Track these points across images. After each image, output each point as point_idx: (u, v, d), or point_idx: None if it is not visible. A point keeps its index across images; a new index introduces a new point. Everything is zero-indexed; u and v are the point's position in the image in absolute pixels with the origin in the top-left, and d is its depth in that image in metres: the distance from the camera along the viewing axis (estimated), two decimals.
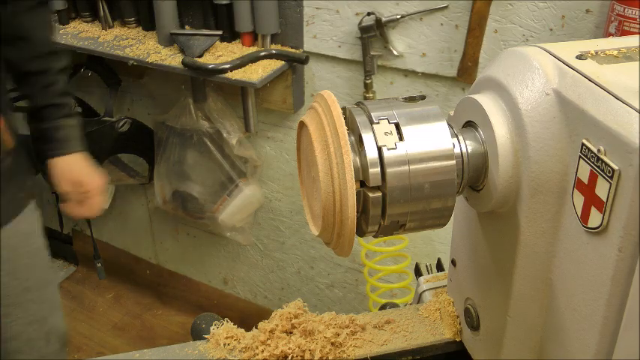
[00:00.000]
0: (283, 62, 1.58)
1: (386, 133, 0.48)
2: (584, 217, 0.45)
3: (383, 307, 0.81)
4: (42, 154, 1.20)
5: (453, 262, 0.65)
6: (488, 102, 0.51)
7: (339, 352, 0.66)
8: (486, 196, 0.52)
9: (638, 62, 0.49)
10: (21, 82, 1.19)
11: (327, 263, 2.00)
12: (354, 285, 2.00)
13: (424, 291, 0.75)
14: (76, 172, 1.19)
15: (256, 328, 0.70)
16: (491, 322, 0.58)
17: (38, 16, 1.17)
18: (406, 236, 1.70)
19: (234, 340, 0.69)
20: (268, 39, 1.61)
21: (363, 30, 1.58)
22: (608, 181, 0.42)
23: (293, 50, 1.63)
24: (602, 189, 0.43)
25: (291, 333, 0.68)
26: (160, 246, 2.28)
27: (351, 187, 0.46)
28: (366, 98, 1.63)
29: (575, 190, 0.46)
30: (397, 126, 0.48)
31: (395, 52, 1.58)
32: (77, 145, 1.21)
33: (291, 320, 0.68)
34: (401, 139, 0.48)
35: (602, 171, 0.43)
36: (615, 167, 0.41)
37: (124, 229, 2.32)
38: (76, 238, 2.48)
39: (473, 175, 0.52)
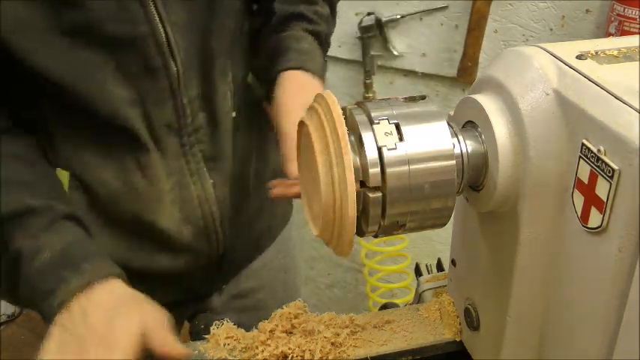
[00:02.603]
0: None
1: (386, 134, 0.48)
2: (584, 217, 0.45)
3: (383, 307, 0.81)
4: (273, 72, 0.90)
5: (453, 262, 0.65)
6: (488, 102, 0.51)
7: (339, 352, 0.66)
8: (486, 196, 0.52)
9: (638, 62, 0.49)
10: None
11: (327, 263, 2.00)
12: (354, 285, 2.00)
13: (424, 291, 0.75)
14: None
15: (256, 328, 0.69)
16: (492, 322, 0.58)
17: None
18: (406, 236, 1.70)
19: (234, 340, 0.69)
20: None
21: (363, 30, 1.58)
22: (608, 181, 0.42)
23: None
24: (602, 189, 0.43)
25: (291, 333, 0.68)
26: None
27: (351, 187, 0.46)
28: (366, 98, 1.63)
29: (575, 190, 0.46)
30: (397, 126, 0.48)
31: (395, 52, 1.58)
32: (318, 68, 0.90)
33: (291, 320, 0.68)
34: (401, 139, 0.48)
35: (602, 171, 0.43)
36: (615, 167, 0.41)
37: None
38: None
39: (473, 175, 0.52)
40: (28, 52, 0.70)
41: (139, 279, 0.80)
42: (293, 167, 0.77)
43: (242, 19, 0.89)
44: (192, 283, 0.96)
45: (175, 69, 0.77)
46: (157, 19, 0.74)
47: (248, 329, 0.72)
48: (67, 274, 0.67)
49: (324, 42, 0.94)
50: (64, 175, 0.79)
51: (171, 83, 0.77)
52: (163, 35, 0.74)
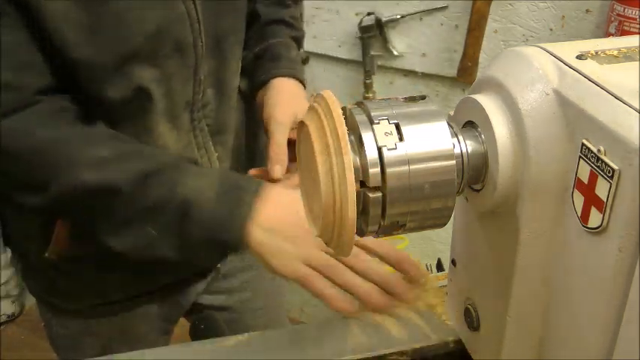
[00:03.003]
0: None
1: (386, 134, 0.48)
2: (584, 217, 0.45)
3: None
4: (262, 76, 0.95)
5: (453, 262, 0.65)
6: (488, 102, 0.51)
7: None
8: (486, 196, 0.52)
9: (638, 62, 0.49)
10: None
11: None
12: None
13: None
14: (302, 108, 0.88)
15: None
16: (492, 322, 0.58)
17: None
18: (406, 236, 1.70)
19: None
20: None
21: (363, 30, 1.58)
22: (608, 181, 0.42)
23: None
24: (602, 189, 0.43)
25: None
26: None
27: (351, 187, 0.46)
28: (366, 98, 1.64)
29: (575, 190, 0.46)
30: (397, 126, 0.48)
31: (395, 52, 1.58)
32: (304, 77, 0.95)
33: None
34: (401, 139, 0.48)
35: (602, 171, 0.43)
36: (615, 167, 0.41)
37: None
38: None
39: (473, 175, 0.52)
40: (70, 43, 0.71)
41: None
42: (276, 170, 0.83)
43: None
44: (192, 264, 0.97)
45: (201, 44, 0.80)
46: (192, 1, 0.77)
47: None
48: (240, 194, 0.73)
49: (302, 47, 1.01)
50: None
51: (196, 60, 0.81)
52: (195, 13, 0.78)
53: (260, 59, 0.97)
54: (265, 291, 1.14)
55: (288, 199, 0.74)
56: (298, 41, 0.99)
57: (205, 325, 0.82)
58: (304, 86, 0.93)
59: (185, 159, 0.80)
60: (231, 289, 1.10)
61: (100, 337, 1.01)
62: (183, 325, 1.27)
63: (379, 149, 0.47)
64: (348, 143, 0.46)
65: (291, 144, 0.87)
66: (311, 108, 0.51)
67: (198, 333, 0.83)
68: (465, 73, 1.49)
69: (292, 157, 0.86)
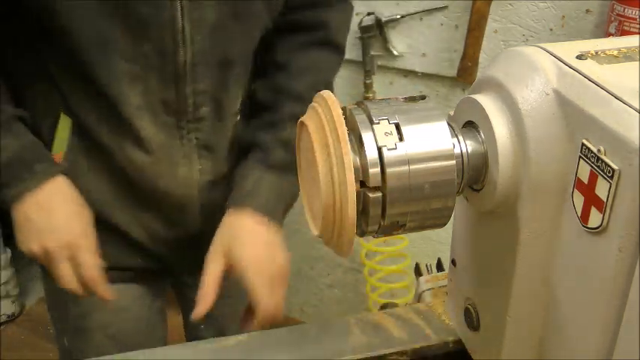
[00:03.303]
0: None
1: (386, 134, 0.48)
2: (584, 217, 0.45)
3: (383, 307, 0.81)
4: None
5: (453, 262, 0.65)
6: (488, 102, 0.51)
7: None
8: (486, 196, 0.52)
9: (638, 62, 0.49)
10: (252, 113, 1.00)
11: (327, 263, 2.00)
12: (354, 285, 2.00)
13: (424, 291, 0.75)
14: (236, 250, 0.89)
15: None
16: (492, 322, 0.58)
17: (310, 54, 0.98)
18: (406, 236, 1.70)
19: None
20: None
21: (363, 30, 1.58)
22: (608, 181, 0.42)
23: None
24: (602, 189, 0.43)
25: None
26: None
27: (351, 187, 0.46)
28: (366, 98, 1.64)
29: (575, 190, 0.46)
30: (397, 126, 0.48)
31: (395, 52, 1.58)
32: (261, 205, 0.92)
33: None
34: (401, 139, 0.48)
35: (602, 171, 0.43)
36: (615, 167, 0.41)
37: None
38: None
39: (473, 175, 0.52)
40: (63, 13, 0.80)
41: (120, 237, 0.97)
42: (200, 309, 0.88)
43: (264, 32, 0.95)
44: (169, 256, 1.02)
45: (184, 60, 0.85)
46: (179, 12, 0.82)
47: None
48: (23, 174, 0.85)
49: (280, 170, 0.94)
50: (68, 120, 0.90)
51: (176, 70, 0.86)
52: (180, 28, 0.83)
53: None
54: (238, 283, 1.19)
55: (61, 198, 0.88)
56: (272, 167, 0.94)
57: (204, 326, 0.86)
58: (266, 214, 0.92)
59: (18, 116, 0.88)
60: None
61: (82, 302, 1.05)
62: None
63: (379, 149, 0.47)
64: (348, 143, 0.46)
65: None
66: (311, 108, 0.51)
67: (193, 332, 0.87)
68: (465, 73, 1.49)
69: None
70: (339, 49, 1.02)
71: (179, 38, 0.84)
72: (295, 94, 0.96)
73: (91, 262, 0.88)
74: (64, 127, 0.90)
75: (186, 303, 1.23)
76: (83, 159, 0.92)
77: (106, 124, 0.89)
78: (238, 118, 0.97)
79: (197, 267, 1.07)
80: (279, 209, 0.95)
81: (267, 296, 0.89)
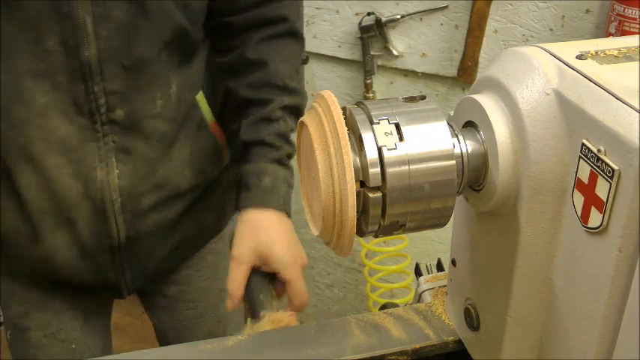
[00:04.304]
0: None
1: (386, 134, 0.48)
2: (584, 217, 0.45)
3: (383, 307, 0.81)
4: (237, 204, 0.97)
5: (453, 262, 0.65)
6: (488, 102, 0.51)
7: None
8: (486, 196, 0.52)
9: (638, 62, 0.49)
10: (234, 111, 1.00)
11: (327, 263, 2.00)
12: (354, 285, 2.00)
13: (424, 291, 0.75)
14: (265, 239, 0.89)
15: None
16: (492, 322, 0.58)
17: (280, 46, 1.00)
18: (406, 236, 1.70)
19: None
20: None
21: (363, 30, 1.58)
22: (608, 181, 0.42)
23: None
24: (602, 189, 0.43)
25: None
26: None
27: (351, 187, 0.46)
28: (366, 98, 1.64)
29: (575, 190, 0.46)
30: (397, 126, 0.48)
31: (395, 52, 1.58)
32: (280, 203, 0.93)
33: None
34: (401, 139, 0.48)
35: (602, 171, 0.43)
36: (615, 167, 0.41)
37: None
38: None
39: (473, 175, 0.52)
40: None
41: (45, 256, 0.96)
42: (228, 305, 0.89)
43: (188, 39, 0.95)
44: (98, 267, 1.01)
45: (87, 55, 0.85)
46: (77, 5, 0.83)
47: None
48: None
49: (286, 164, 0.97)
50: None
51: (82, 67, 0.86)
52: (82, 22, 0.83)
53: (238, 187, 0.98)
54: (202, 288, 1.20)
55: None
56: (280, 161, 0.96)
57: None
58: (284, 210, 0.94)
59: None
60: (168, 280, 1.16)
61: (22, 300, 1.07)
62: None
63: (379, 149, 0.47)
64: (348, 143, 0.46)
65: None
66: (311, 108, 0.51)
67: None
68: (465, 73, 1.49)
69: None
70: (300, 38, 1.04)
71: (81, 33, 0.84)
72: (280, 85, 0.98)
73: None
74: None
75: (154, 309, 1.23)
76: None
77: (17, 127, 0.88)
78: (161, 120, 0.95)
79: (144, 280, 1.08)
80: (290, 202, 0.96)
81: (303, 287, 0.91)
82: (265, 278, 0.92)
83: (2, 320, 2.19)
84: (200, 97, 1.00)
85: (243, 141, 0.97)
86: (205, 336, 1.14)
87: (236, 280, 0.89)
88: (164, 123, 0.95)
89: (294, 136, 0.98)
